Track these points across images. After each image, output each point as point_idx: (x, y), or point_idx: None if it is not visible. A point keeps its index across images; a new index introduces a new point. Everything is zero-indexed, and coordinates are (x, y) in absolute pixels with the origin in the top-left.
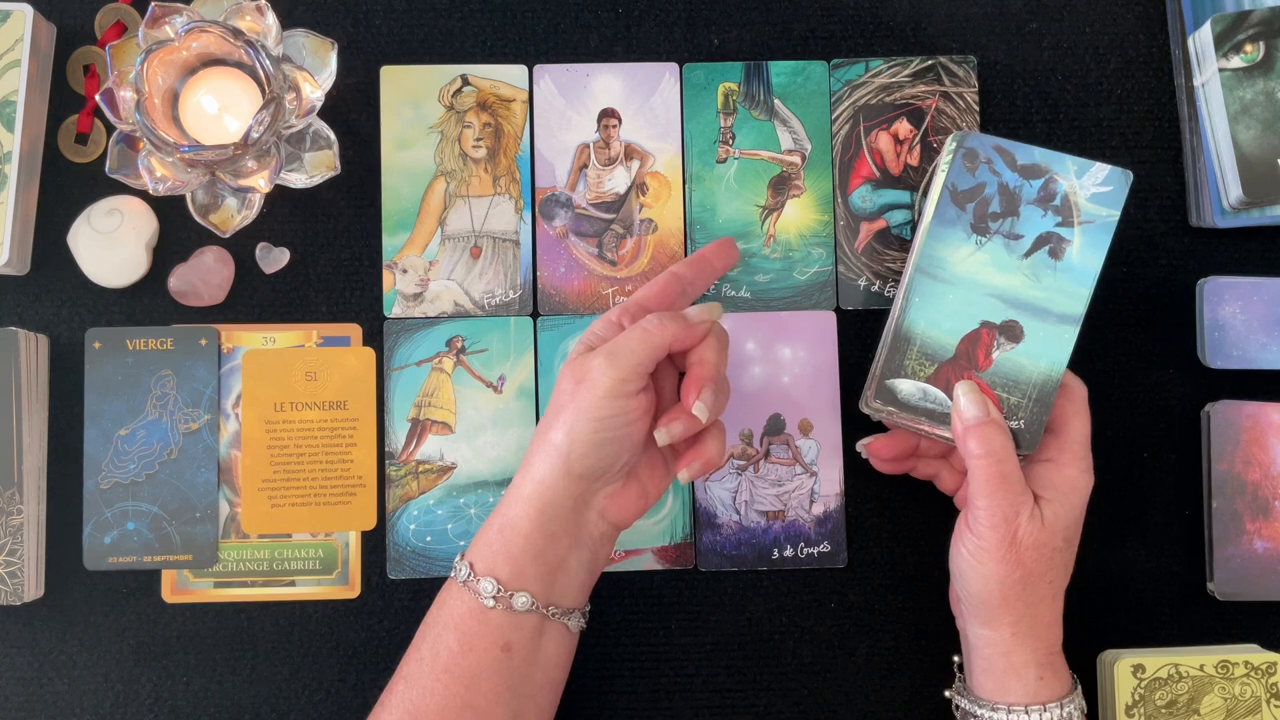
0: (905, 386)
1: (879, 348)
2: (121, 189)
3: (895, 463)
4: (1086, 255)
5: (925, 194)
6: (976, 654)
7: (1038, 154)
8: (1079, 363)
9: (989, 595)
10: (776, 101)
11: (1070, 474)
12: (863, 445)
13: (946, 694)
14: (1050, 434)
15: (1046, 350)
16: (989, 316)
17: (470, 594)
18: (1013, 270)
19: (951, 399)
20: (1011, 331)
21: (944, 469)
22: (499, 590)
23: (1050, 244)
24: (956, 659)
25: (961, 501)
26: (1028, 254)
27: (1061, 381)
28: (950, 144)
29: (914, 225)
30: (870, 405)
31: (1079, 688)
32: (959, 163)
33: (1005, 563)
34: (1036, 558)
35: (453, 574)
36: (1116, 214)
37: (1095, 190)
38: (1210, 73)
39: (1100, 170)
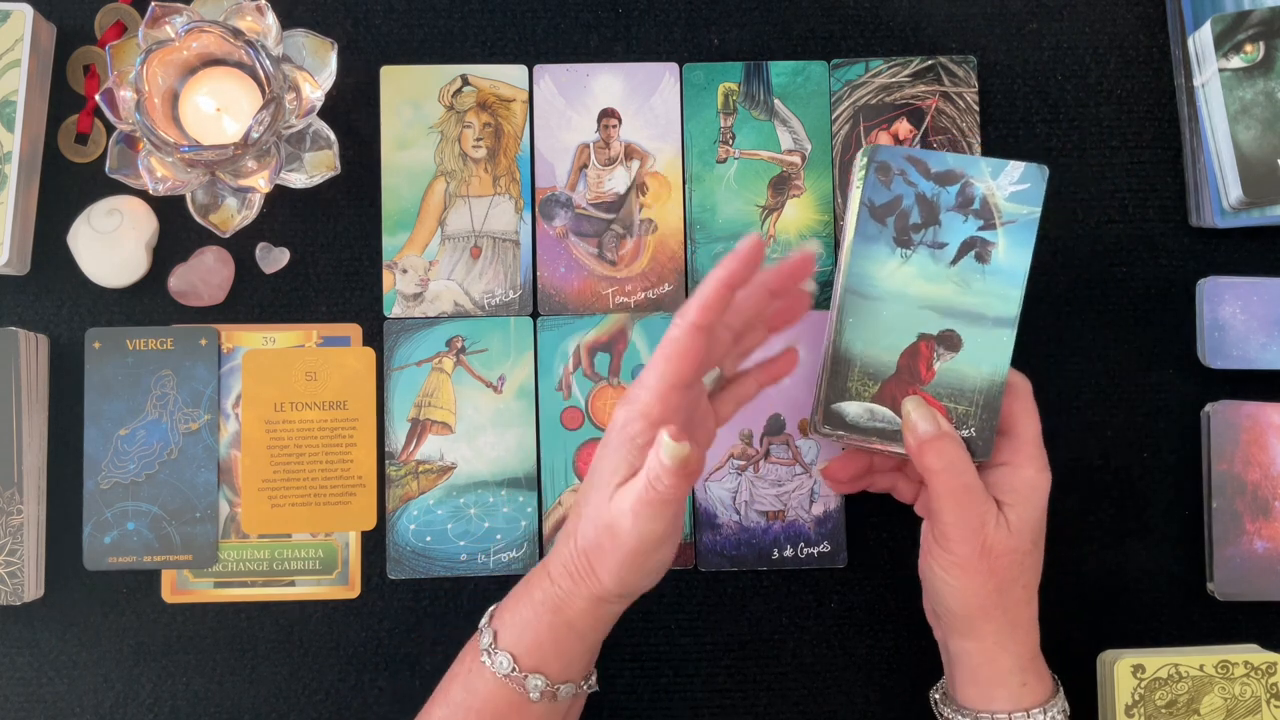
0: (852, 409)
1: (820, 372)
2: (121, 189)
3: (851, 483)
4: (1013, 255)
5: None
6: (959, 665)
7: (950, 160)
8: (1078, 363)
9: (967, 608)
10: (776, 101)
11: (1028, 474)
12: (817, 471)
13: (933, 695)
14: (1002, 436)
15: (987, 355)
16: (925, 328)
17: (514, 687)
18: (942, 279)
19: (900, 416)
20: (949, 341)
21: (899, 480)
22: (547, 685)
23: (975, 248)
24: (934, 691)
25: (923, 510)
26: (954, 261)
27: (1006, 381)
28: (860, 159)
29: (835, 245)
30: (820, 430)
31: (1061, 689)
32: (872, 177)
33: (979, 574)
34: (1008, 564)
35: (485, 660)
36: (1038, 210)
37: (1013, 189)
38: (1210, 73)
39: (1015, 168)
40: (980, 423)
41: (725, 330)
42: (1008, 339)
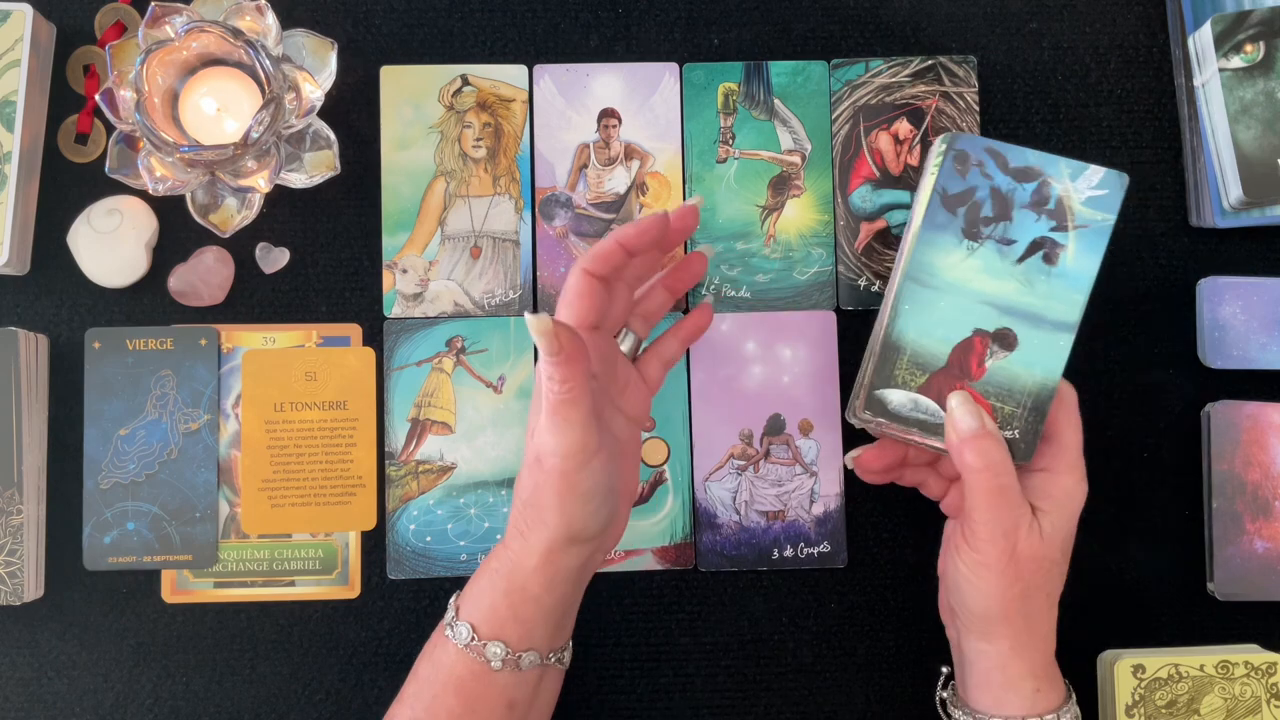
0: (896, 397)
1: (866, 357)
2: (121, 189)
3: (883, 473)
4: (1082, 260)
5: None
6: (972, 668)
7: (1031, 156)
8: (1078, 362)
9: (988, 610)
10: (776, 101)
11: (1066, 484)
12: (851, 458)
13: (940, 695)
14: (1044, 442)
15: (1041, 358)
16: (982, 324)
17: (474, 656)
18: (1006, 276)
19: (945, 410)
20: (1005, 339)
21: (930, 476)
22: (508, 654)
23: (1044, 249)
24: (945, 669)
25: (949, 508)
26: (1021, 259)
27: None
28: (940, 146)
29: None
30: (859, 416)
31: (1074, 697)
32: (949, 165)
33: (1005, 577)
34: (1035, 570)
35: (448, 633)
36: (1112, 218)
37: (1090, 194)
38: (1210, 73)
39: (1095, 173)
40: (1025, 426)
41: (624, 287)
42: (1065, 344)
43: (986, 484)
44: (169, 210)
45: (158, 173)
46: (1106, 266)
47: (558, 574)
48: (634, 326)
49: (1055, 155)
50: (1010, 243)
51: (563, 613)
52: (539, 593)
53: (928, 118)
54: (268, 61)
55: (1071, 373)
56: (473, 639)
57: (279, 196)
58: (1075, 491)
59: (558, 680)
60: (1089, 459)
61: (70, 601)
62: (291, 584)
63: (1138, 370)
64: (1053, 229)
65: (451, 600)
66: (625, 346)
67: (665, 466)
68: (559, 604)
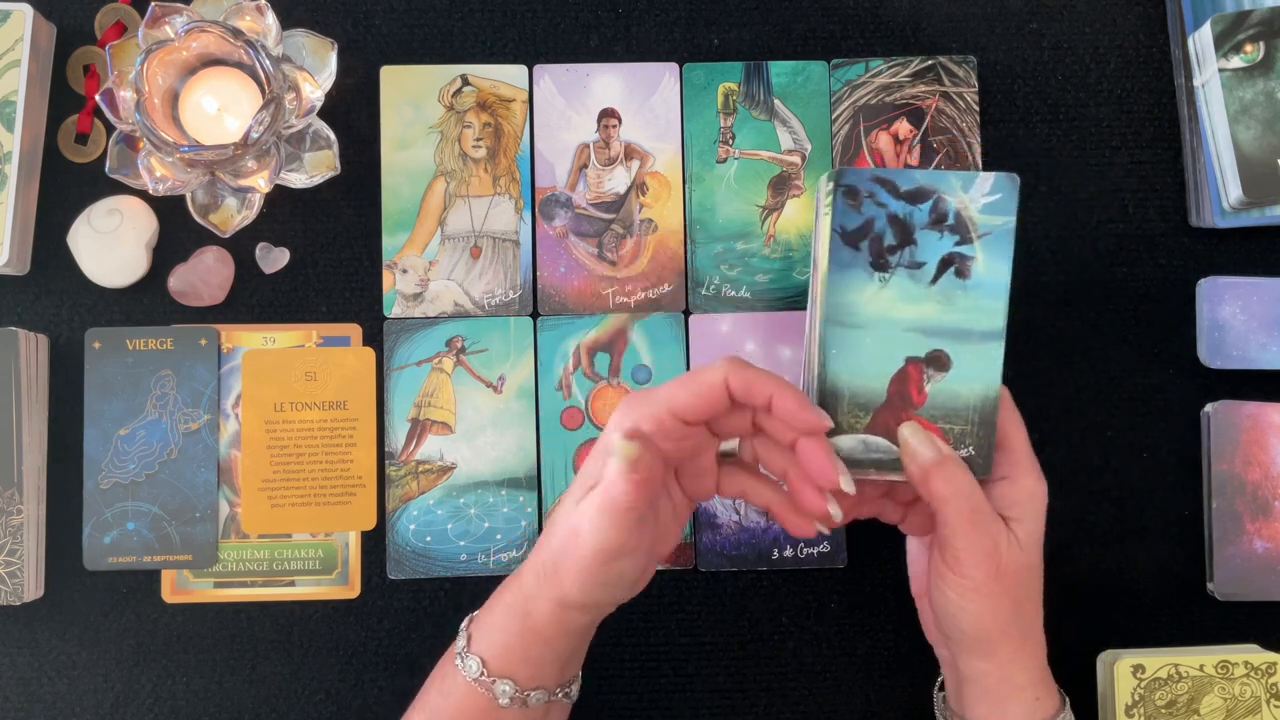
0: (846, 443)
1: None
2: (121, 189)
3: (844, 516)
4: (993, 267)
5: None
6: (971, 684)
7: (919, 176)
8: (1077, 363)
9: (984, 630)
10: (776, 101)
11: (1028, 485)
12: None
13: (937, 696)
14: (996, 450)
15: (978, 371)
16: (912, 351)
17: (482, 691)
18: (924, 300)
19: (898, 444)
20: (938, 361)
21: (886, 505)
22: (516, 691)
23: (954, 264)
24: (939, 690)
25: (911, 528)
26: (934, 280)
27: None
28: (826, 184)
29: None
30: None
31: (1067, 703)
32: (840, 202)
33: (993, 595)
34: (1021, 582)
35: (458, 663)
36: (1012, 220)
37: (985, 200)
38: (1210, 73)
39: (986, 179)
40: (978, 440)
41: (744, 414)
42: (996, 352)
43: (960, 510)
44: (169, 210)
45: (158, 173)
46: (1106, 265)
47: (570, 625)
48: (743, 446)
49: (943, 171)
50: (919, 266)
51: (573, 653)
52: (552, 636)
53: (928, 118)
54: (268, 61)
55: (1071, 373)
56: (482, 674)
57: (279, 196)
58: (1038, 491)
59: (564, 713)
60: (1087, 461)
61: (70, 601)
62: (291, 584)
63: (1138, 370)
64: (958, 243)
65: (463, 626)
66: (727, 446)
67: None
68: (570, 647)
